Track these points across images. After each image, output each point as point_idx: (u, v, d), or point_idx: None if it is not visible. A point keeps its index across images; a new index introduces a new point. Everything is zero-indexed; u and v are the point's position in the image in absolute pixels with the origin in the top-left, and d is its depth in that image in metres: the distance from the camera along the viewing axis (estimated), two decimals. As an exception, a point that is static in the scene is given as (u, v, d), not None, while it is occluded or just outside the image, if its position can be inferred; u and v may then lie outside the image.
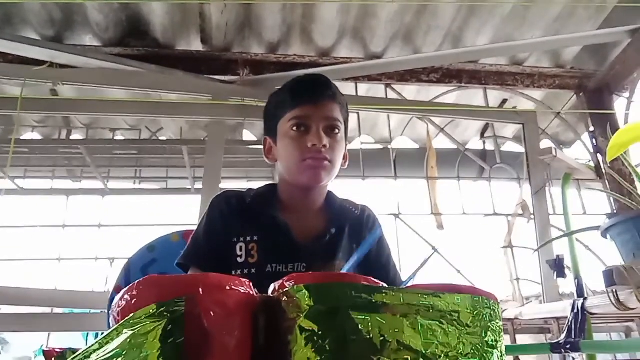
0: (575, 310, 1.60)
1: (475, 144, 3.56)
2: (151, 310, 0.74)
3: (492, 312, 0.82)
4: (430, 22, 2.71)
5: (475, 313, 0.82)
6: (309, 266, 1.21)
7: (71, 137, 3.27)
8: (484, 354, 0.80)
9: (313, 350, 0.73)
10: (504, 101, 3.38)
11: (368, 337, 0.73)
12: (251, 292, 0.81)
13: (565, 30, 2.79)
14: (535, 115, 2.85)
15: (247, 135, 3.58)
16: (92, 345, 0.77)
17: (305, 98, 1.24)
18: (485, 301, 0.83)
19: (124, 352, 0.71)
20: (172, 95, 2.76)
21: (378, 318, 0.76)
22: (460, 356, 0.77)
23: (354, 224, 1.31)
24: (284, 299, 0.78)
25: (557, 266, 2.19)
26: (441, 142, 3.72)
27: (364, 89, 3.09)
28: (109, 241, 3.05)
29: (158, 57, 2.69)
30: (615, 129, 2.96)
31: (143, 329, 0.73)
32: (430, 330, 0.78)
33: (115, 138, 3.31)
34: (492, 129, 3.16)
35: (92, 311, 2.76)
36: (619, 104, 3.01)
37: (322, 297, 0.77)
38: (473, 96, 3.25)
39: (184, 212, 3.37)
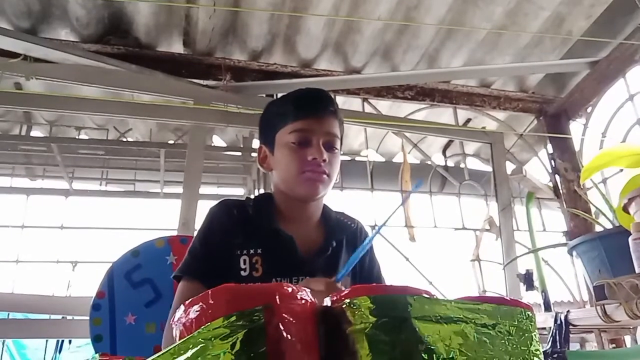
0: (559, 322, 1.71)
1: (437, 159, 3.71)
2: (231, 320, 0.74)
3: (531, 323, 0.89)
4: (410, 42, 2.81)
5: (519, 324, 0.88)
6: None
7: (31, 134, 3.11)
8: (530, 363, 0.86)
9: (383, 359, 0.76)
10: (468, 120, 3.55)
11: (433, 347, 0.77)
12: (314, 302, 0.83)
13: (531, 58, 2.98)
14: (502, 136, 3.02)
15: (217, 141, 3.55)
16: (161, 355, 0.76)
17: (309, 111, 1.26)
18: (527, 313, 0.89)
19: (201, 362, 0.71)
20: (144, 96, 2.70)
21: (440, 328, 0.80)
22: (511, 365, 0.83)
23: (351, 238, 1.34)
24: (349, 310, 0.80)
25: (527, 280, 2.33)
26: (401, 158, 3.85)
27: (340, 101, 3.15)
28: (71, 244, 2.91)
29: (137, 57, 2.63)
30: (572, 152, 3.19)
31: (223, 338, 0.73)
32: (485, 340, 0.83)
33: (81, 137, 3.17)
34: (461, 146, 3.30)
35: (53, 317, 2.63)
36: (575, 129, 3.24)
37: (389, 308, 0.79)
38: (440, 114, 3.40)
39: (152, 216, 3.28)
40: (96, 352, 1.69)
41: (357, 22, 2.63)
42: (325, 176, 1.25)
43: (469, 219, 2.98)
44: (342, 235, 1.32)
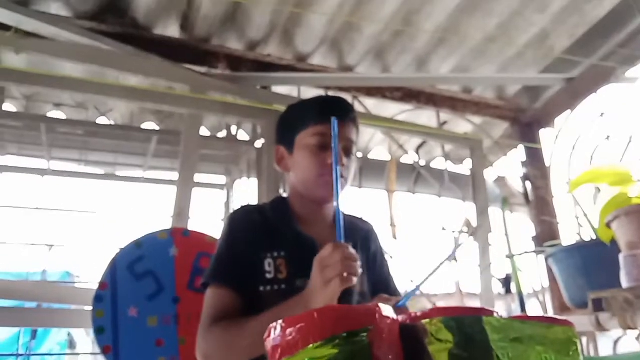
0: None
1: (406, 159, 3.81)
2: (339, 340, 0.78)
3: (576, 339, 0.98)
4: (406, 44, 2.87)
5: (569, 341, 0.97)
6: None
7: (3, 108, 2.94)
8: (580, 378, 0.96)
9: (464, 375, 0.83)
10: (444, 122, 3.68)
11: (508, 365, 0.85)
12: (398, 319, 0.88)
13: (513, 69, 3.12)
14: (482, 142, 3.15)
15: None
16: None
17: (332, 116, 1.33)
18: (573, 330, 0.99)
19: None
20: (132, 79, 2.63)
21: (511, 347, 0.88)
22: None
23: (363, 238, 1.41)
24: (432, 328, 0.86)
25: (506, 283, 2.48)
26: (377, 155, 3.95)
27: (328, 96, 3.17)
28: (47, 225, 2.78)
29: (132, 38, 2.54)
30: (541, 161, 3.39)
31: (331, 358, 0.77)
32: (546, 357, 0.92)
33: (58, 114, 3.02)
34: (442, 150, 3.42)
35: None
36: (544, 138, 3.44)
37: (468, 328, 0.86)
38: (418, 116, 3.50)
39: (131, 201, 3.18)
40: (99, 344, 1.68)
41: (358, 20, 2.65)
42: (343, 180, 1.30)
43: (446, 219, 3.11)
44: (357, 235, 1.39)
